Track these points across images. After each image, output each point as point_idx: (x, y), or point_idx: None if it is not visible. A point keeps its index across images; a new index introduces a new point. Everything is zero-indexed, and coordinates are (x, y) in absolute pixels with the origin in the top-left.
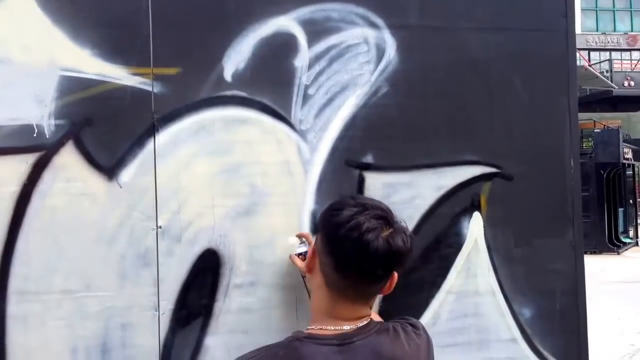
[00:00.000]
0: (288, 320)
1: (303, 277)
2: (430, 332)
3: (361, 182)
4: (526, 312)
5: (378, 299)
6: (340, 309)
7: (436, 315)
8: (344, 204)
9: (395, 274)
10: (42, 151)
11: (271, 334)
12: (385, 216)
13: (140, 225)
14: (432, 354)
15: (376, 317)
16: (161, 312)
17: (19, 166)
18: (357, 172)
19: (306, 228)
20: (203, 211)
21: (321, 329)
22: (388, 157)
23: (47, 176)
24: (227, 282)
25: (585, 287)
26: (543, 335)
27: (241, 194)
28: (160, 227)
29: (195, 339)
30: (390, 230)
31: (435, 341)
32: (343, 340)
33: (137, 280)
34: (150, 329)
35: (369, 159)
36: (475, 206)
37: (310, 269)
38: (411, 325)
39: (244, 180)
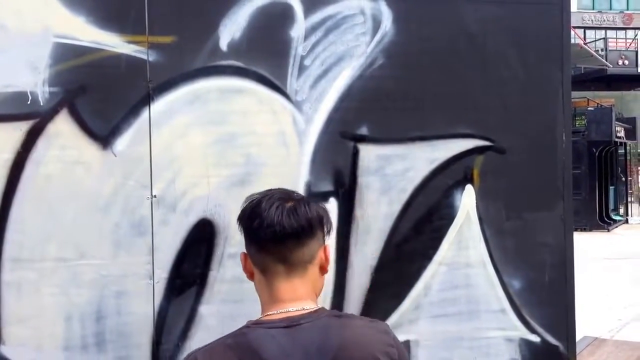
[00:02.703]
0: None
1: None
2: (421, 302)
3: (355, 153)
4: (516, 284)
5: (361, 274)
6: (279, 290)
7: (427, 286)
8: (253, 194)
9: (327, 246)
10: (36, 119)
11: None
12: (285, 197)
13: (135, 194)
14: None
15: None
16: (156, 281)
17: (12, 133)
18: (351, 143)
19: None
20: (198, 181)
21: (268, 315)
22: (383, 129)
23: (41, 144)
24: (221, 252)
25: (573, 260)
26: (532, 306)
27: (236, 164)
28: (155, 196)
29: (189, 308)
30: (292, 202)
31: (426, 312)
32: (290, 323)
33: (132, 249)
34: (144, 297)
35: (363, 130)
36: (467, 179)
37: (248, 271)
38: (371, 321)
39: (239, 151)
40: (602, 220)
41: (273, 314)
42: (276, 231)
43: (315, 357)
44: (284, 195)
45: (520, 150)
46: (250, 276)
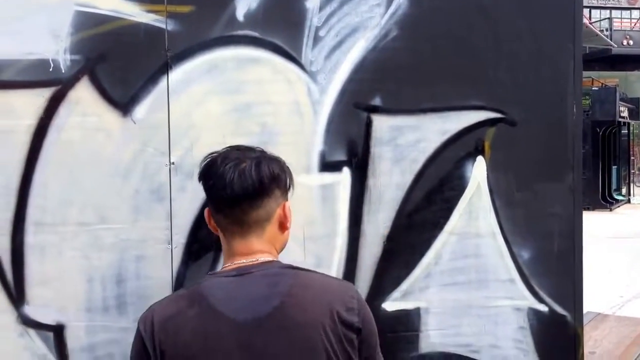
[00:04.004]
0: (295, 256)
1: None
2: (431, 271)
3: (368, 124)
4: (525, 254)
5: (373, 243)
6: (235, 246)
7: (438, 255)
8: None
9: (287, 204)
10: (57, 86)
11: None
12: (245, 150)
13: (154, 160)
14: (349, 332)
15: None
16: (174, 246)
17: (35, 100)
18: (364, 114)
19: (315, 167)
20: (215, 149)
21: (224, 267)
22: (395, 100)
23: (63, 110)
24: None
25: (582, 231)
26: (540, 276)
27: (252, 133)
28: (173, 163)
29: (206, 272)
30: (250, 160)
31: (436, 280)
32: (241, 272)
33: (151, 214)
34: (163, 262)
35: (376, 101)
36: (479, 150)
37: (213, 227)
38: (341, 283)
39: (254, 119)
40: (605, 200)
41: (228, 265)
42: (228, 194)
43: (261, 301)
44: (240, 155)
45: (532, 122)
46: (215, 231)
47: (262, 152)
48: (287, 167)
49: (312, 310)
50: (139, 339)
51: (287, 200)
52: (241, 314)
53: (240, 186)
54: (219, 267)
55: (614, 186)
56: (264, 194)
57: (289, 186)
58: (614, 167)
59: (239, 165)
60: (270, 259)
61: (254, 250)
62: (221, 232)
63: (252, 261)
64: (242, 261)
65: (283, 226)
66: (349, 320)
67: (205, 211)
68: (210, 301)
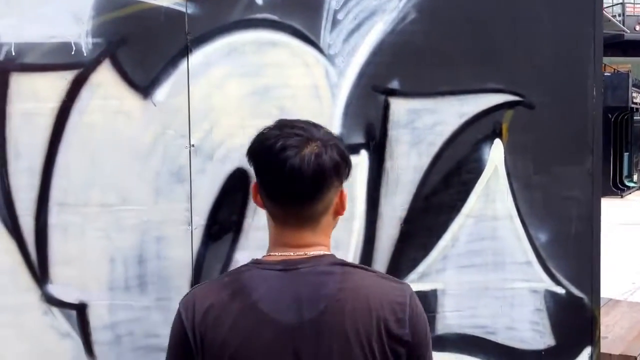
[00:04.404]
0: None
1: None
2: (448, 254)
3: (386, 107)
4: (542, 237)
5: (390, 225)
6: (286, 237)
7: (455, 238)
8: (264, 129)
9: (344, 191)
10: (80, 69)
11: None
12: (304, 134)
13: (174, 143)
14: (406, 321)
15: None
16: (194, 227)
17: (58, 83)
18: (382, 97)
19: None
20: (234, 131)
21: (269, 255)
22: (413, 83)
23: (85, 93)
24: None
25: (600, 214)
26: (557, 259)
27: (270, 116)
28: (193, 145)
29: (225, 254)
30: (313, 146)
31: (453, 262)
32: (287, 266)
33: (171, 196)
34: (183, 243)
35: (394, 84)
36: (496, 133)
37: (259, 204)
38: (394, 281)
39: (273, 102)
40: (616, 187)
41: (274, 255)
42: (286, 186)
43: (306, 304)
44: (300, 140)
45: (550, 105)
46: (261, 207)
47: (322, 135)
48: (345, 150)
49: (357, 319)
50: (180, 323)
51: (342, 186)
52: (284, 316)
53: (300, 181)
54: (241, 249)
55: (625, 173)
56: (324, 187)
57: (348, 174)
58: (626, 154)
59: (299, 153)
60: (321, 253)
61: (305, 243)
62: (269, 216)
63: (300, 255)
64: (289, 253)
65: (337, 214)
66: (397, 333)
67: (252, 186)
68: (253, 297)
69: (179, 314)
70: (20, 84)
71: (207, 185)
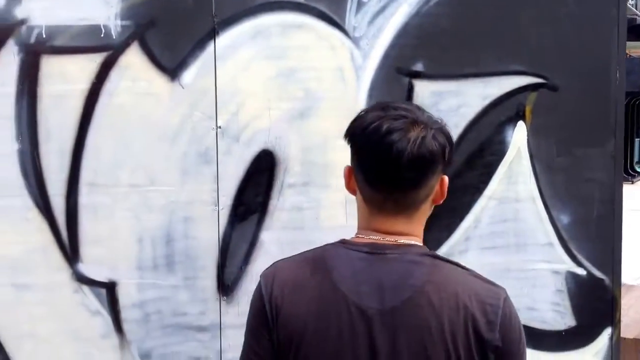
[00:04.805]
0: (337, 219)
1: None
2: (471, 235)
3: (410, 89)
4: (564, 219)
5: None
6: (379, 222)
7: (477, 219)
8: (366, 110)
9: (445, 178)
10: (109, 51)
11: (322, 232)
12: (408, 115)
13: (201, 124)
14: (491, 337)
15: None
16: (220, 208)
17: (87, 65)
18: (406, 79)
19: None
20: (260, 113)
21: (357, 237)
22: (437, 65)
23: (114, 75)
24: (281, 182)
25: (622, 196)
26: (579, 240)
27: (296, 98)
28: (219, 127)
29: (251, 234)
30: (418, 129)
31: (475, 244)
32: (373, 249)
33: (198, 177)
34: (210, 223)
35: (418, 67)
36: (520, 115)
37: (350, 188)
38: (488, 282)
39: (298, 85)
40: (626, 172)
41: (361, 237)
42: (390, 172)
43: (389, 293)
44: (406, 124)
45: (574, 87)
46: (352, 192)
47: (426, 118)
48: (450, 134)
49: (443, 314)
50: (259, 295)
51: (444, 173)
52: (365, 301)
53: (406, 166)
54: (266, 229)
55: (636, 158)
56: (429, 173)
57: (450, 159)
58: (637, 140)
59: (405, 136)
60: (412, 242)
61: (398, 231)
62: (364, 203)
63: (388, 240)
64: (377, 237)
65: (435, 202)
66: (486, 337)
67: (345, 169)
68: (334, 276)
69: (259, 286)
70: (51, 66)
71: (233, 166)
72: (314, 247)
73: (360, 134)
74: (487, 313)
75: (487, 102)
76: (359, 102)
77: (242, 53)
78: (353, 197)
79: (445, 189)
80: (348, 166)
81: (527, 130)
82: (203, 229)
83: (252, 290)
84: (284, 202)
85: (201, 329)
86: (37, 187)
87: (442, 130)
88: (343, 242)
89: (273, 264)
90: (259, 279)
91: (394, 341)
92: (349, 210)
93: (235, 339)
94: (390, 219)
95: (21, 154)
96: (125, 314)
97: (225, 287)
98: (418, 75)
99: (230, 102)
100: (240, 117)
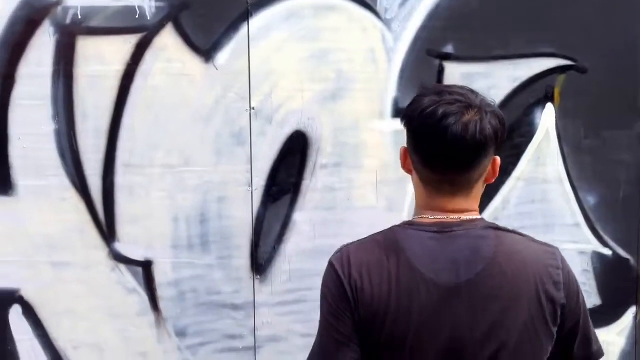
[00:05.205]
0: (368, 200)
1: None
2: (499, 215)
3: (441, 71)
4: (591, 200)
5: None
6: (439, 202)
7: (505, 200)
8: (421, 95)
9: (497, 158)
10: (143, 32)
11: (353, 212)
12: (463, 100)
13: (235, 106)
14: (559, 297)
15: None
16: (254, 188)
17: (123, 46)
18: (437, 61)
19: (388, 114)
20: (293, 95)
21: (421, 217)
22: (467, 47)
23: (149, 56)
24: (313, 163)
25: None
26: (606, 221)
27: (328, 80)
28: (253, 108)
29: (284, 214)
30: (472, 113)
31: (503, 224)
32: (441, 229)
33: (232, 158)
34: (244, 203)
35: (449, 49)
36: (548, 97)
37: (406, 168)
38: (547, 245)
39: (330, 66)
40: None
41: (427, 217)
42: (446, 153)
43: (463, 267)
44: (460, 107)
45: (602, 69)
46: (408, 171)
47: (479, 102)
48: (502, 116)
49: (515, 282)
50: (337, 279)
51: (497, 153)
52: (441, 276)
53: (461, 148)
54: (299, 210)
55: None
56: (482, 155)
57: (503, 141)
58: None
59: (460, 120)
60: (473, 217)
61: (458, 208)
62: (422, 183)
63: (453, 219)
64: (442, 216)
65: (487, 181)
66: (554, 297)
67: (401, 150)
68: (408, 256)
69: (333, 272)
70: (87, 48)
71: (266, 147)
72: (347, 227)
73: (416, 118)
74: (551, 275)
75: (516, 84)
76: (390, 83)
77: (275, 35)
78: (384, 178)
79: (498, 169)
80: (404, 147)
81: (556, 112)
82: (237, 209)
83: (285, 269)
84: (316, 183)
85: (235, 307)
86: (74, 167)
87: (496, 113)
88: (410, 224)
89: (340, 249)
90: (327, 264)
91: (472, 313)
92: (380, 191)
93: (268, 317)
94: (449, 198)
95: (58, 134)
96: (161, 292)
97: (259, 266)
98: (448, 57)
99: (263, 83)
100: (274, 99)
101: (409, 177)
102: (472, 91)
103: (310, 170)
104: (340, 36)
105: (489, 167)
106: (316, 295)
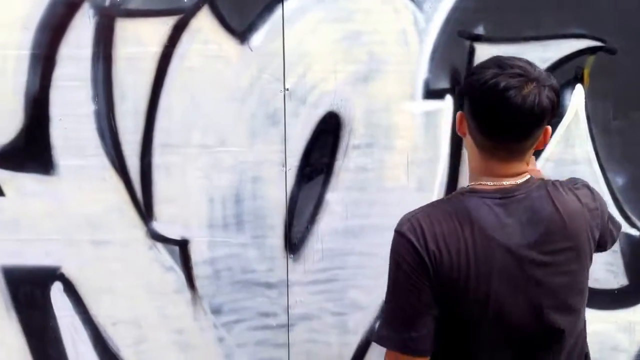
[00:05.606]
0: (399, 180)
1: None
2: None
3: (471, 52)
4: (619, 181)
5: None
6: (495, 168)
7: None
8: (482, 66)
9: (549, 128)
10: (180, 14)
11: (385, 192)
12: (524, 73)
13: (269, 87)
14: (596, 219)
15: (538, 174)
16: (288, 168)
17: (160, 28)
18: (468, 43)
19: (419, 95)
20: (326, 76)
21: (480, 184)
22: (497, 28)
23: (186, 38)
24: (346, 143)
25: None
26: (634, 202)
27: (360, 61)
28: (287, 89)
29: (317, 194)
30: (531, 86)
31: None
32: (504, 194)
33: (266, 138)
34: (278, 183)
35: (479, 30)
36: (578, 79)
37: (462, 132)
38: (576, 187)
39: (363, 48)
40: None
41: (487, 184)
42: (506, 123)
43: (528, 228)
44: (520, 81)
45: (632, 50)
46: (463, 134)
47: (538, 75)
48: (558, 88)
49: (574, 233)
50: (413, 251)
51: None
52: (512, 240)
53: (520, 120)
54: (331, 190)
55: None
56: (538, 126)
57: (556, 112)
58: None
59: (520, 93)
60: (526, 178)
61: (513, 172)
62: (477, 148)
63: (512, 184)
64: (502, 182)
65: (537, 147)
66: (595, 235)
67: (458, 115)
68: (482, 224)
69: (408, 243)
70: (125, 29)
71: (300, 128)
72: (378, 207)
73: (477, 89)
74: (594, 216)
75: (546, 65)
76: (421, 65)
77: (309, 16)
78: (415, 158)
79: (548, 138)
80: (461, 112)
81: (585, 93)
82: (271, 189)
83: (318, 248)
84: (348, 163)
85: (269, 285)
86: (113, 148)
87: (552, 86)
88: (473, 191)
89: (408, 219)
90: (396, 235)
91: (545, 268)
92: (410, 171)
93: (301, 296)
94: (504, 164)
95: (97, 115)
96: (197, 271)
97: (293, 245)
98: (479, 38)
99: (297, 64)
100: (307, 80)
101: (439, 157)
102: (530, 64)
103: (343, 151)
104: (373, 18)
105: (541, 137)
106: (347, 274)
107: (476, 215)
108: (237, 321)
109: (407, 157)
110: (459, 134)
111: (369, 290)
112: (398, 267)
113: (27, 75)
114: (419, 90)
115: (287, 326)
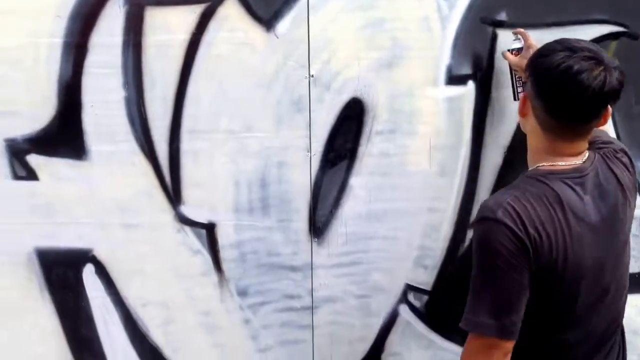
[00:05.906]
0: (422, 165)
1: (512, 73)
2: None
3: (494, 38)
4: None
5: (494, 153)
6: (560, 147)
7: None
8: (551, 49)
9: (609, 108)
10: (208, 2)
11: (407, 177)
12: (594, 56)
13: (295, 73)
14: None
15: None
16: (312, 153)
17: (188, 16)
18: (490, 29)
19: (442, 81)
20: (350, 62)
21: (554, 165)
22: (520, 14)
23: (213, 26)
24: (369, 129)
25: None
26: None
27: (383, 48)
28: (312, 75)
29: (341, 179)
30: (600, 69)
31: None
32: (580, 174)
33: (292, 124)
34: (302, 168)
35: (502, 16)
36: None
37: (524, 113)
38: (614, 150)
39: (386, 35)
40: None
41: (561, 165)
42: (578, 107)
43: (602, 205)
44: (592, 57)
45: None
46: (523, 115)
47: (606, 58)
48: (623, 71)
49: (627, 202)
50: (513, 237)
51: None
52: (593, 218)
53: (589, 103)
54: (355, 175)
55: None
56: (605, 107)
57: (621, 91)
58: None
59: (590, 76)
60: (586, 155)
61: (579, 151)
62: (541, 129)
63: (581, 162)
64: (574, 162)
65: (599, 126)
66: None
67: (523, 95)
68: (571, 205)
69: (507, 229)
70: (154, 18)
71: (325, 114)
72: (401, 191)
73: (547, 70)
74: (630, 176)
75: None
76: (444, 51)
77: (333, 3)
78: (437, 143)
79: (609, 117)
80: (525, 93)
81: None
82: (296, 174)
83: (342, 232)
84: (372, 149)
85: (294, 268)
86: (142, 133)
87: (619, 70)
88: (552, 173)
89: (498, 206)
90: (482, 223)
91: (612, 239)
92: (433, 157)
93: (325, 279)
94: (569, 144)
95: (128, 101)
96: (224, 254)
97: (317, 229)
98: (501, 24)
99: (322, 51)
100: (332, 66)
101: (461, 143)
102: (595, 46)
103: (366, 136)
104: (396, 5)
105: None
106: (370, 257)
107: (564, 197)
108: (262, 303)
109: (429, 142)
110: (519, 114)
111: (392, 273)
112: (497, 254)
113: (60, 62)
114: (442, 76)
115: (312, 308)
